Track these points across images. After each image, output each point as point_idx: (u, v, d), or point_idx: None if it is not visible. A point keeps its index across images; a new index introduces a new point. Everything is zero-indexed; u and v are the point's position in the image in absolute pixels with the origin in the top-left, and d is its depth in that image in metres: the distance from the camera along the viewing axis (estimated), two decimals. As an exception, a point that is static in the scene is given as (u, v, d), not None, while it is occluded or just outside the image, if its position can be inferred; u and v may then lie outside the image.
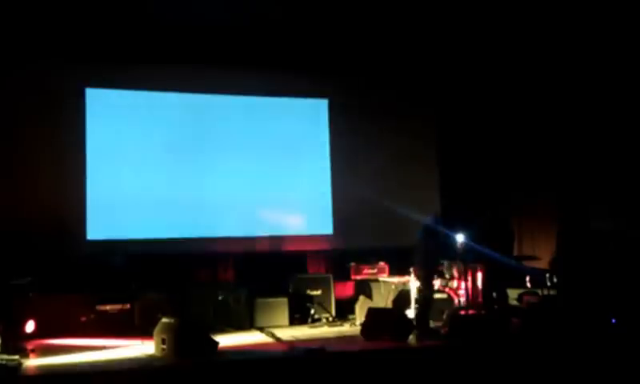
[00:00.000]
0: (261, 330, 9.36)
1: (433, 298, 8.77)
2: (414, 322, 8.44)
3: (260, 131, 11.24)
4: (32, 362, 7.17)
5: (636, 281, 8.61)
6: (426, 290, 8.63)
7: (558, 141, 10.73)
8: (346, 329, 9.44)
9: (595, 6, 9.35)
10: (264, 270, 10.51)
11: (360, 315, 9.36)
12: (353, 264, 10.76)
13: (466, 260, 8.98)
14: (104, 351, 7.83)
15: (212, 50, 10.59)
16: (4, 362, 6.81)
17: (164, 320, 7.61)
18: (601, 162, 10.04)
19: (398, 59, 11.51)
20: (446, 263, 9.27)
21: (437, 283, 9.19)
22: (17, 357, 7.00)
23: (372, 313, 8.61)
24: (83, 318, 9.16)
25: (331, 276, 10.52)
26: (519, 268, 9.70)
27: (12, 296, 8.46)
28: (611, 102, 9.91)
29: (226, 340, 8.24)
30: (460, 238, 9.04)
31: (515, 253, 10.98)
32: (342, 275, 10.79)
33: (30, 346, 7.71)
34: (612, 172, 9.88)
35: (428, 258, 8.66)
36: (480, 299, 8.90)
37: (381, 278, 10.46)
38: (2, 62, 9.84)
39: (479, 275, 8.95)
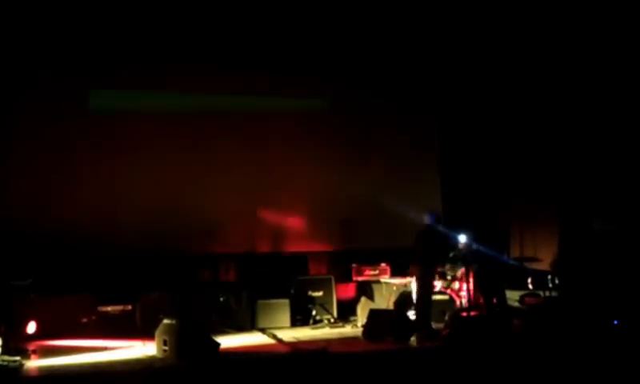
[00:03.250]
0: (262, 331, 9.35)
1: (431, 298, 8.70)
2: (415, 324, 8.43)
3: (262, 132, 11.22)
4: (33, 363, 7.18)
5: (637, 282, 8.61)
6: (422, 289, 8.56)
7: (560, 143, 10.73)
8: (347, 330, 9.42)
9: (594, 12, 9.35)
10: (265, 271, 10.50)
11: (362, 316, 9.33)
12: (354, 265, 10.76)
13: (468, 261, 8.96)
14: (105, 352, 7.83)
15: (213, 51, 10.59)
16: (5, 363, 6.81)
17: (165, 321, 7.61)
18: (602, 163, 10.04)
19: (400, 61, 11.52)
20: (447, 265, 9.27)
21: (438, 284, 9.18)
22: (18, 358, 6.99)
23: (374, 314, 8.61)
24: (84, 319, 9.14)
25: (333, 277, 10.49)
26: (520, 269, 9.69)
27: (13, 297, 8.47)
28: (611, 105, 9.91)
29: (228, 341, 8.23)
30: (462, 239, 9.04)
31: (517, 255, 11.04)
32: (344, 276, 10.78)
33: (31, 347, 7.72)
34: (613, 174, 9.88)
35: (425, 257, 8.61)
36: (481, 300, 8.89)
37: (382, 279, 10.46)
38: (4, 66, 9.84)
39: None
